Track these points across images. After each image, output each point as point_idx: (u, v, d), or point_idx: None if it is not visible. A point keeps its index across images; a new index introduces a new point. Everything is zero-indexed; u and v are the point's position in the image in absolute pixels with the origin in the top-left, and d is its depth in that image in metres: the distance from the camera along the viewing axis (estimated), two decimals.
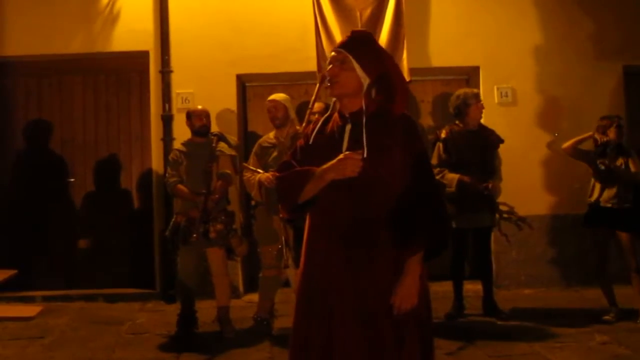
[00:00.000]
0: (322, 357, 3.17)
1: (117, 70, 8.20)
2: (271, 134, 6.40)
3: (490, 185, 6.52)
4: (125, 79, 8.24)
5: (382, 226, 3.16)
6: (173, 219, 6.47)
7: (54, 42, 7.83)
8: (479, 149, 6.67)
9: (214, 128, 6.96)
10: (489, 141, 6.72)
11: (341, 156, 3.13)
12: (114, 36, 7.88)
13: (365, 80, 3.26)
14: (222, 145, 6.49)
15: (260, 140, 6.45)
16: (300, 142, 3.48)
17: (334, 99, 3.43)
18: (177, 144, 7.00)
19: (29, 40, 7.82)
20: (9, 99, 8.22)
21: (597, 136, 6.52)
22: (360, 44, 3.33)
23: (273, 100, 6.38)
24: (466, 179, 6.53)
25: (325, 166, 3.15)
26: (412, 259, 3.15)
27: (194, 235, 6.11)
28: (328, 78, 3.29)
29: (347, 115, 3.30)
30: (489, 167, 6.66)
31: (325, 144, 3.30)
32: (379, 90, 3.26)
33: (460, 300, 6.85)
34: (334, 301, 3.16)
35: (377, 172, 3.15)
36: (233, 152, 6.56)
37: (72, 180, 8.17)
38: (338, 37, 6.97)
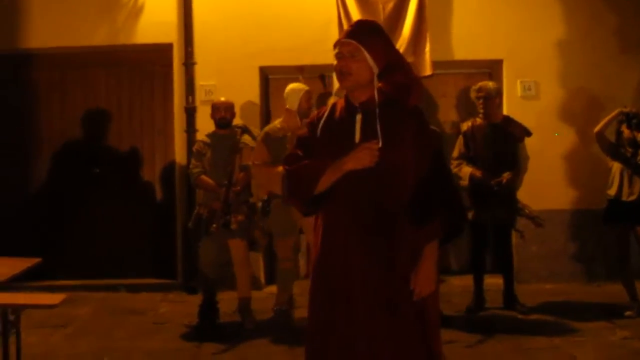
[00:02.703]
0: (343, 343, 3.19)
1: (140, 63, 8.25)
2: (277, 122, 6.38)
3: (504, 181, 6.47)
4: (149, 71, 8.28)
5: (399, 215, 3.18)
6: (195, 210, 6.53)
7: (78, 34, 7.88)
8: (497, 143, 6.63)
9: (240, 120, 7.00)
10: (510, 135, 6.66)
11: (358, 147, 3.15)
12: (137, 29, 7.93)
13: (375, 70, 3.26)
14: (246, 138, 6.52)
15: (267, 128, 6.39)
16: (303, 133, 3.49)
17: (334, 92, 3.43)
18: (200, 136, 7.04)
19: (54, 33, 7.88)
20: (34, 91, 8.29)
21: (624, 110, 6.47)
22: (369, 33, 3.30)
23: (308, 92, 6.38)
24: (478, 173, 6.55)
25: (342, 158, 3.16)
26: (430, 245, 3.20)
27: (214, 225, 6.15)
28: (339, 70, 3.27)
29: (356, 105, 3.30)
30: (508, 161, 6.59)
31: (335, 135, 3.30)
32: (390, 79, 3.27)
33: (481, 293, 6.84)
34: (355, 288, 3.18)
35: (393, 161, 3.16)
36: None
37: (97, 171, 8.23)
38: None
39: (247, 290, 6.49)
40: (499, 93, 6.83)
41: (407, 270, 3.19)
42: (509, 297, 6.80)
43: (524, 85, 7.92)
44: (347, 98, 3.37)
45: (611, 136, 6.53)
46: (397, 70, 3.30)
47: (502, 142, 6.64)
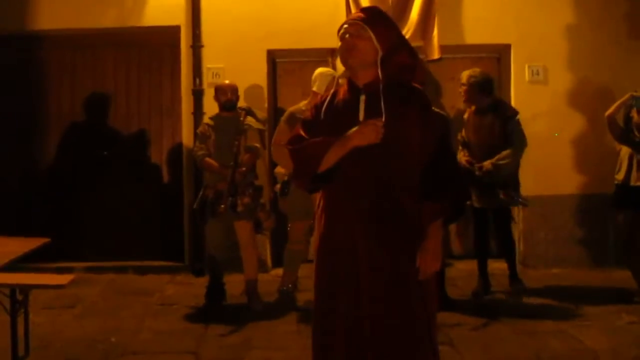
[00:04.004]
0: (349, 323, 3.23)
1: (149, 45, 8.25)
2: (302, 104, 6.39)
3: (483, 168, 6.47)
4: (157, 53, 8.29)
5: (404, 194, 3.22)
6: (201, 192, 6.55)
7: (87, 16, 7.87)
8: (483, 129, 6.64)
9: (244, 103, 7.01)
10: (498, 118, 6.61)
11: (363, 123, 3.19)
12: (146, 11, 7.91)
13: (379, 51, 3.28)
14: (250, 120, 6.55)
15: (293, 109, 6.37)
16: (308, 115, 3.51)
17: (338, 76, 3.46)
18: (205, 118, 7.06)
19: (64, 14, 7.87)
20: (43, 73, 8.30)
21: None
22: (373, 15, 3.36)
23: (335, 77, 6.37)
24: (463, 160, 6.59)
25: (347, 133, 3.19)
26: (434, 224, 3.24)
27: (222, 206, 6.19)
28: (345, 47, 3.31)
29: (360, 86, 3.33)
30: (497, 145, 6.54)
31: (339, 116, 3.33)
32: (393, 60, 3.29)
33: (485, 277, 6.85)
34: (360, 267, 3.22)
35: (397, 139, 3.19)
36: (261, 126, 6.67)
37: (105, 153, 8.25)
38: None
39: (254, 273, 6.52)
40: (478, 79, 6.68)
41: (412, 249, 3.22)
42: (511, 280, 6.80)
43: (532, 70, 7.89)
44: (349, 81, 3.41)
45: (620, 121, 6.50)
46: (401, 50, 3.35)
47: (489, 127, 6.61)
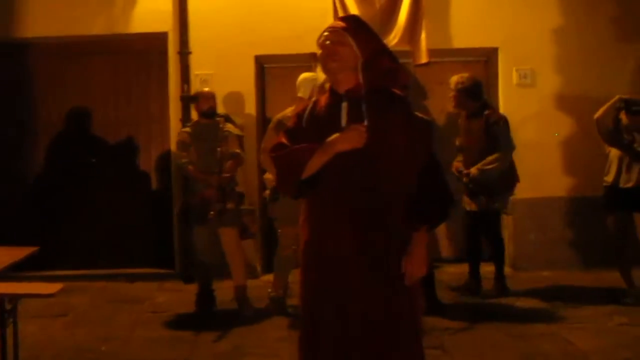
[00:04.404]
0: (335, 330, 3.24)
1: (136, 52, 8.24)
2: (288, 110, 6.39)
3: (470, 173, 6.59)
4: (145, 60, 8.27)
5: (390, 198, 3.23)
6: (185, 199, 6.58)
7: (75, 23, 7.85)
8: (472, 133, 6.73)
9: (234, 109, 7.03)
10: (485, 123, 6.67)
11: (347, 128, 3.21)
12: (133, 18, 7.90)
13: (359, 58, 3.29)
14: (229, 126, 6.63)
15: (280, 116, 6.37)
16: (291, 123, 3.51)
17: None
18: (183, 126, 7.07)
19: (51, 22, 7.84)
20: (31, 80, 8.27)
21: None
22: (353, 24, 3.38)
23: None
24: (453, 166, 6.76)
25: (330, 138, 3.20)
26: (419, 230, 3.25)
27: (211, 213, 6.23)
28: (326, 53, 3.32)
29: (342, 93, 3.33)
30: (485, 149, 6.61)
31: (321, 124, 3.33)
32: (375, 66, 3.30)
33: (476, 278, 6.94)
34: (347, 273, 3.22)
35: (380, 144, 3.19)
36: (240, 132, 6.74)
37: (93, 160, 8.22)
38: None
39: (243, 278, 6.51)
40: (466, 84, 6.76)
41: (398, 254, 3.23)
42: (496, 284, 6.87)
43: (519, 74, 7.91)
44: (331, 88, 3.42)
45: (610, 124, 6.51)
46: (381, 57, 3.36)
47: (478, 132, 6.67)
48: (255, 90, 7.97)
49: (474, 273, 6.97)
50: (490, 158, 6.55)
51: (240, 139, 6.70)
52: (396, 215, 3.24)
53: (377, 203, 3.23)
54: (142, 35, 7.96)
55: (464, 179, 6.63)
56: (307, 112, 3.41)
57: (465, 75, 6.86)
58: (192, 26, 7.83)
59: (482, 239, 7.03)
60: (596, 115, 6.50)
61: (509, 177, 6.77)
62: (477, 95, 6.81)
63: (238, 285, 6.50)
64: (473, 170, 6.56)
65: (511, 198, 7.08)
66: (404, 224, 3.24)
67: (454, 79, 6.83)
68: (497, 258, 6.93)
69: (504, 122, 6.74)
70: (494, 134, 6.61)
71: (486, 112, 6.73)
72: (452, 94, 6.83)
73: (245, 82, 7.88)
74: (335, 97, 3.37)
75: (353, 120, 3.24)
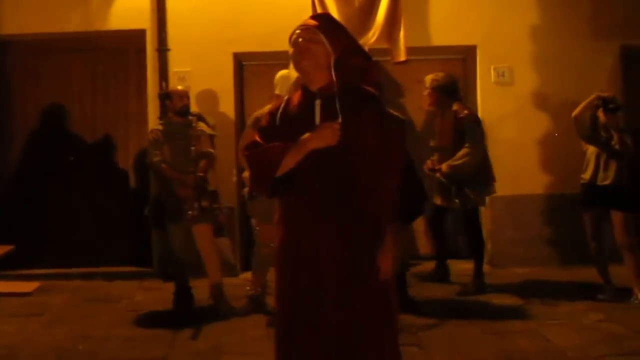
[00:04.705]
0: (310, 322, 3.25)
1: (114, 49, 8.19)
2: (266, 108, 6.38)
3: (443, 169, 6.67)
4: (123, 57, 8.23)
5: (363, 195, 3.25)
6: (156, 198, 6.59)
7: (51, 20, 7.80)
8: (444, 132, 6.85)
9: (212, 107, 7.01)
10: (454, 120, 6.78)
11: (320, 125, 3.23)
12: (111, 14, 7.86)
13: (332, 56, 3.30)
14: (202, 125, 6.63)
15: (258, 113, 6.35)
16: (264, 122, 3.51)
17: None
18: (154, 124, 7.04)
19: (27, 19, 7.80)
20: (7, 78, 8.22)
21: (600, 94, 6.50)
22: (325, 21, 3.39)
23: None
24: (427, 162, 6.91)
25: (304, 136, 3.21)
26: (391, 226, 3.29)
27: (190, 212, 6.25)
28: (298, 50, 3.32)
29: (314, 91, 3.34)
30: (456, 148, 6.71)
31: (294, 122, 3.33)
32: (347, 64, 3.32)
33: (440, 269, 7.37)
34: (322, 269, 3.23)
35: (354, 141, 3.21)
36: (212, 132, 6.71)
37: (71, 158, 8.18)
38: (335, 15, 6.94)
39: (218, 276, 6.51)
40: (441, 82, 6.89)
41: (372, 250, 3.25)
42: (473, 278, 6.94)
43: (497, 72, 7.95)
44: (303, 86, 3.43)
45: (587, 121, 6.55)
46: (354, 54, 3.38)
47: (450, 131, 6.78)
48: (234, 87, 7.96)
49: (441, 263, 7.34)
50: (459, 154, 6.64)
51: (212, 139, 6.69)
52: (370, 210, 3.26)
53: (350, 199, 3.24)
54: (119, 33, 7.91)
55: (437, 176, 6.70)
56: (280, 110, 3.41)
57: (441, 74, 6.95)
58: (171, 23, 7.81)
59: (444, 232, 7.33)
60: (574, 113, 6.54)
61: (482, 174, 6.83)
62: (453, 93, 6.89)
63: (214, 282, 6.49)
64: (443, 166, 6.66)
65: (490, 196, 7.14)
66: (377, 218, 3.27)
67: (429, 77, 6.93)
68: (476, 256, 6.98)
69: (472, 118, 6.83)
70: (463, 130, 6.70)
71: (454, 108, 6.81)
72: (427, 92, 6.92)
73: (223, 80, 7.86)
74: (308, 95, 3.37)
75: (326, 117, 3.25)
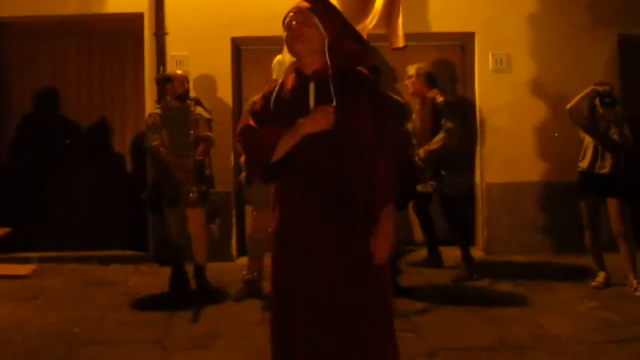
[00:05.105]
0: (306, 307, 3.25)
1: (111, 33, 8.15)
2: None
3: (420, 154, 6.74)
4: (120, 41, 8.20)
5: (358, 178, 3.26)
6: (153, 182, 6.58)
7: (47, 3, 7.74)
8: (424, 118, 6.92)
9: (209, 91, 7.00)
10: (433, 107, 6.87)
11: (314, 109, 3.22)
12: None
13: (325, 39, 3.29)
14: (200, 109, 6.64)
15: (255, 98, 6.36)
16: (258, 106, 3.50)
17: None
18: (152, 108, 7.03)
19: (23, 1, 7.74)
20: (3, 62, 8.19)
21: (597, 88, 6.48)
22: (318, 4, 3.36)
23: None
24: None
25: (298, 121, 3.20)
26: (385, 209, 3.29)
27: (191, 195, 6.28)
28: (292, 34, 3.31)
29: (308, 74, 3.33)
30: (433, 132, 6.80)
31: (288, 106, 3.33)
32: (341, 46, 3.31)
33: (431, 254, 7.44)
34: (317, 253, 3.23)
35: (348, 124, 3.21)
36: (209, 116, 6.73)
37: (67, 142, 8.16)
38: (333, 0, 6.91)
39: (203, 259, 6.60)
40: (427, 69, 7.10)
41: (367, 234, 3.26)
42: (462, 267, 6.99)
43: (495, 59, 7.93)
44: (297, 69, 3.41)
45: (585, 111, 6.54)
46: (348, 38, 3.36)
47: (428, 116, 6.87)
48: (232, 72, 7.93)
49: (432, 250, 7.39)
50: (435, 139, 6.73)
51: (209, 123, 6.70)
52: (365, 195, 3.26)
53: (345, 184, 3.25)
54: (116, 16, 7.87)
55: (417, 160, 6.76)
56: (274, 94, 3.40)
57: (422, 63, 7.21)
58: (168, 7, 7.77)
59: (431, 218, 7.40)
60: (569, 106, 6.52)
61: (458, 160, 6.95)
62: (433, 82, 7.07)
63: (199, 264, 6.57)
64: (421, 151, 6.74)
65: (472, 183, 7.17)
66: (371, 201, 3.27)
67: (413, 66, 7.12)
68: (459, 241, 7.03)
69: (450, 103, 6.93)
70: (440, 115, 6.79)
71: (429, 94, 6.93)
72: (411, 79, 7.05)
73: (221, 64, 7.84)
74: (302, 78, 3.36)
75: (320, 101, 3.25)
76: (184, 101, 6.56)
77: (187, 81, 6.63)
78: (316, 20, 3.28)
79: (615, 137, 6.26)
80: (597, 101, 6.39)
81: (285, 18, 3.37)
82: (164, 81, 6.63)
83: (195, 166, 6.35)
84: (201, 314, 5.90)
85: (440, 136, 6.72)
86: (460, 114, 7.02)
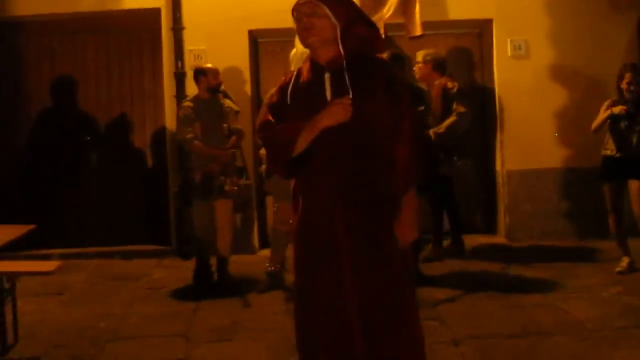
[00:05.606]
0: (332, 300, 3.23)
1: (129, 29, 8.18)
2: None
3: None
4: (137, 37, 8.22)
5: (378, 166, 3.25)
6: (186, 175, 6.59)
7: (65, 1, 7.77)
8: (434, 103, 6.95)
9: (228, 84, 7.03)
10: (442, 92, 7.00)
11: (331, 103, 3.19)
12: None
13: (337, 26, 3.25)
14: (228, 102, 6.70)
15: (273, 91, 6.40)
16: (275, 98, 3.49)
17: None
18: (184, 101, 7.04)
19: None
20: (22, 59, 8.23)
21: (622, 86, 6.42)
22: None
23: None
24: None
25: (316, 116, 3.18)
26: (407, 194, 3.27)
27: (227, 187, 6.40)
28: (303, 27, 3.26)
29: (323, 65, 3.31)
30: (442, 117, 6.91)
31: (306, 97, 3.31)
32: (353, 33, 3.27)
33: (454, 243, 7.44)
34: (341, 244, 3.21)
35: (366, 114, 3.19)
36: (237, 108, 6.79)
37: (87, 138, 8.21)
38: None
39: (228, 251, 6.64)
40: (434, 56, 7.19)
41: (390, 220, 3.25)
42: (450, 246, 7.30)
43: (514, 45, 7.88)
44: (312, 60, 3.38)
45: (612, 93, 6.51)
46: (359, 23, 3.32)
47: (437, 103, 6.97)
48: (249, 65, 7.94)
49: (454, 237, 7.43)
50: (443, 124, 6.82)
51: (237, 115, 6.75)
52: (386, 181, 3.25)
53: (366, 172, 3.24)
54: (134, 12, 7.89)
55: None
56: (290, 86, 3.37)
57: (432, 50, 7.30)
58: (185, 2, 7.77)
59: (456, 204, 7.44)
60: (592, 128, 6.56)
61: (449, 144, 6.97)
62: (442, 69, 7.16)
63: (222, 256, 6.61)
64: (430, 132, 6.77)
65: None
66: (393, 188, 3.26)
67: (421, 52, 7.21)
68: (450, 222, 7.32)
69: (460, 90, 7.05)
70: (451, 101, 6.92)
71: (439, 81, 7.05)
72: (418, 65, 7.13)
73: (239, 57, 7.84)
74: (317, 69, 3.33)
75: (337, 90, 3.22)
76: (216, 94, 6.58)
77: (219, 74, 6.67)
78: (326, 9, 3.23)
79: None
80: (623, 83, 6.33)
81: (294, 10, 3.31)
82: (199, 74, 6.63)
83: (229, 158, 6.48)
84: (224, 306, 5.93)
85: (451, 119, 6.82)
86: (470, 101, 7.13)
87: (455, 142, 6.95)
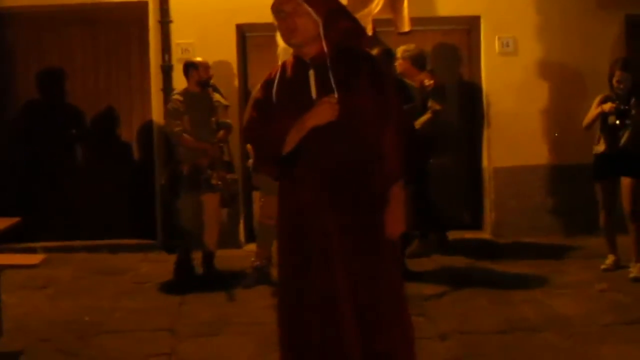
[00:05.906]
0: (324, 294, 3.23)
1: (116, 21, 8.12)
2: None
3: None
4: (125, 29, 8.17)
5: (365, 160, 3.25)
6: (173, 168, 6.56)
7: None
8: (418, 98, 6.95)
9: (215, 78, 7.00)
10: (421, 90, 6.98)
11: (318, 102, 3.19)
12: None
13: (319, 22, 3.23)
14: (217, 96, 6.72)
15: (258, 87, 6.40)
16: (260, 94, 3.48)
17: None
18: (174, 94, 7.01)
19: None
20: (9, 51, 8.17)
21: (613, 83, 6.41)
22: None
23: None
24: None
25: (303, 117, 3.19)
26: (395, 187, 3.28)
27: (213, 181, 6.40)
28: (286, 27, 3.26)
29: (307, 61, 3.30)
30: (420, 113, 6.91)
31: (291, 95, 3.31)
32: (335, 27, 3.26)
33: (440, 239, 7.44)
34: (329, 241, 3.21)
35: (353, 111, 3.19)
36: (227, 103, 6.82)
37: (74, 131, 8.17)
38: None
39: (214, 245, 6.65)
40: (412, 52, 7.13)
41: (378, 213, 3.26)
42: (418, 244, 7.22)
43: (502, 42, 7.89)
44: (296, 56, 3.37)
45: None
46: (340, 17, 3.32)
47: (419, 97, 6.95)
48: (237, 59, 7.92)
49: (439, 234, 7.43)
50: (420, 119, 6.78)
51: (226, 109, 6.76)
52: (374, 175, 3.26)
53: (354, 168, 3.24)
54: (121, 5, 7.88)
55: None
56: (275, 82, 3.36)
57: (412, 45, 7.19)
58: None
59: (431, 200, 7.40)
60: (584, 124, 6.52)
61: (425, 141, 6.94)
62: (422, 65, 7.13)
63: (209, 250, 6.61)
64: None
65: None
66: (380, 182, 3.26)
67: (401, 47, 7.16)
68: (426, 218, 7.25)
69: (435, 86, 7.03)
70: (427, 97, 6.93)
71: (421, 77, 7.02)
72: (399, 61, 7.08)
73: (227, 51, 7.82)
74: (301, 65, 3.33)
75: (322, 87, 3.22)
76: (206, 88, 6.58)
77: (209, 68, 6.66)
78: (306, 6, 3.21)
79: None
80: (613, 120, 6.30)
81: (273, 8, 3.29)
82: (189, 67, 6.61)
83: (216, 152, 6.47)
84: (210, 300, 5.93)
85: (425, 117, 6.82)
86: (446, 99, 7.14)
87: (430, 139, 6.87)
